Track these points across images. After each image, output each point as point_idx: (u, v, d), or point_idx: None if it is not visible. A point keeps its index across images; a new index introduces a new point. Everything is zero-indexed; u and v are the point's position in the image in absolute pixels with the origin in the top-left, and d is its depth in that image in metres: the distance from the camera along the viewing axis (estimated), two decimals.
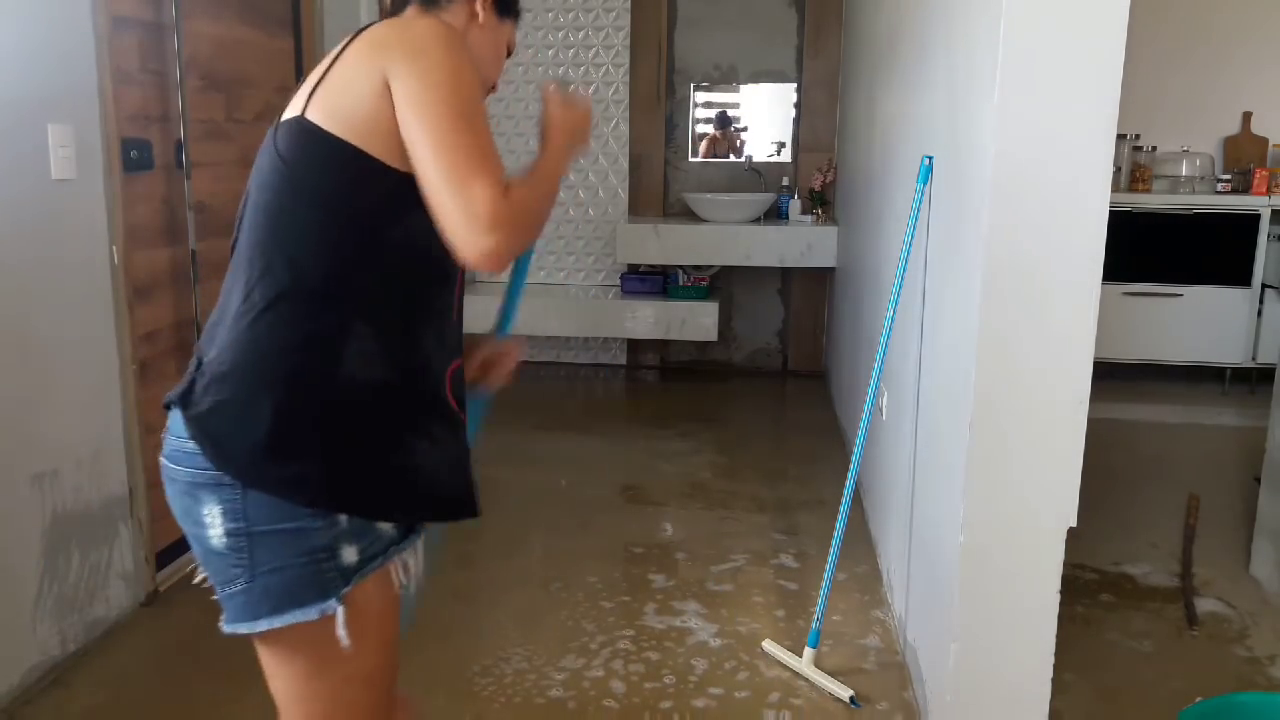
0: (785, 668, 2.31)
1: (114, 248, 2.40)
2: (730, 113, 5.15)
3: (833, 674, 2.23)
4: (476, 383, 1.46)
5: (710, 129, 5.16)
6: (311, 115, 1.13)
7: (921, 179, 2.20)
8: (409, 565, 1.20)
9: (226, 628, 1.17)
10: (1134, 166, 5.01)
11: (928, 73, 2.38)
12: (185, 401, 1.16)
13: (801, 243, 4.72)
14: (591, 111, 1.34)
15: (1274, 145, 5.10)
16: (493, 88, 1.34)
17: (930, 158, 2.19)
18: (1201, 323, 4.83)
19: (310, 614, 1.11)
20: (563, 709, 2.15)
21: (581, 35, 4.99)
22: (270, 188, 1.15)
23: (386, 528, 1.16)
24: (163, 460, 1.19)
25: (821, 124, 5.02)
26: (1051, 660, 1.85)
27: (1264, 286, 4.77)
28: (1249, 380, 4.94)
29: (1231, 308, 4.81)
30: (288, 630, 1.13)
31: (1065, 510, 1.75)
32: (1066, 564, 1.83)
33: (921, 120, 2.44)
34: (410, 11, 1.30)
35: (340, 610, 1.12)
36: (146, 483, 2.55)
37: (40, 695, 2.16)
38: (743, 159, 5.11)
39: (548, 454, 3.91)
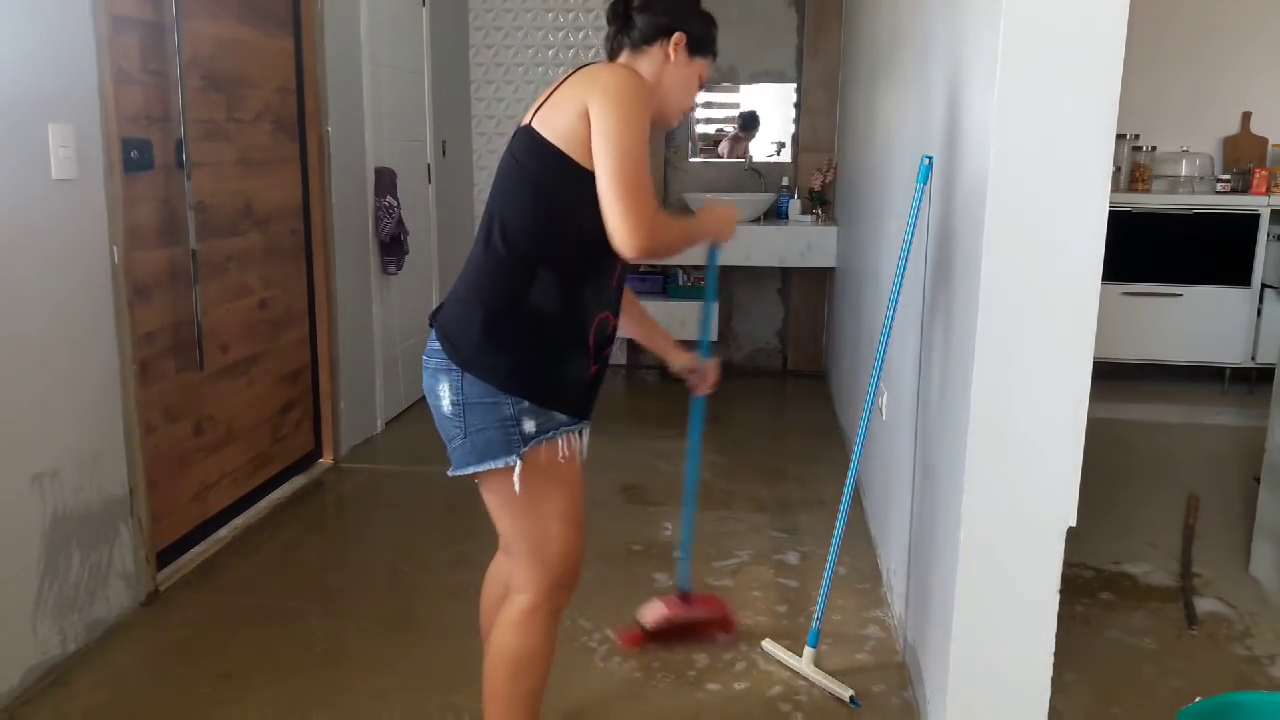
0: (785, 667, 2.31)
1: (114, 248, 2.40)
2: (731, 113, 5.15)
3: (833, 674, 2.23)
4: (689, 387, 2.09)
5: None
6: (536, 125, 1.62)
7: (921, 179, 2.20)
8: (573, 440, 1.66)
9: (451, 472, 1.67)
10: (1134, 166, 5.01)
11: (928, 73, 2.38)
12: (436, 314, 1.69)
13: (801, 243, 4.72)
14: (735, 215, 1.87)
15: (1274, 145, 5.10)
16: (685, 113, 1.82)
17: (930, 158, 2.19)
18: (1201, 323, 4.83)
19: (499, 464, 1.60)
20: (562, 708, 2.15)
21: (581, 35, 4.99)
22: (504, 176, 1.64)
23: (558, 413, 1.62)
24: (424, 355, 1.68)
25: (821, 124, 5.02)
26: (1051, 659, 1.85)
27: (1263, 286, 4.77)
28: (1249, 380, 4.94)
29: (1231, 308, 4.81)
30: (490, 475, 1.63)
31: (1065, 510, 1.75)
32: (1066, 563, 1.83)
33: (921, 120, 2.44)
34: (622, 56, 1.77)
35: (519, 464, 1.60)
36: (147, 482, 2.55)
37: (40, 695, 2.16)
38: (744, 159, 5.11)
39: None
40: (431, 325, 1.69)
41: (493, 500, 1.69)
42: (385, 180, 3.96)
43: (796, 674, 2.28)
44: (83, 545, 2.34)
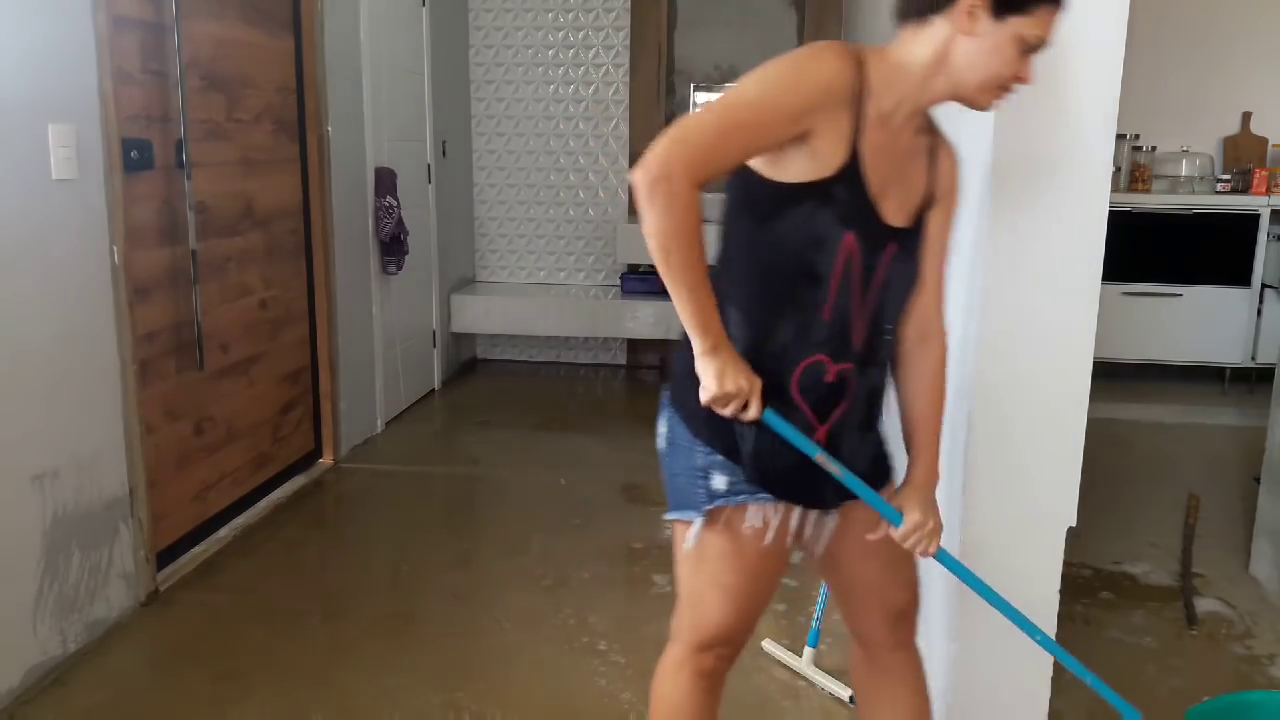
0: (785, 667, 2.31)
1: (114, 248, 2.40)
2: None
3: (833, 673, 2.23)
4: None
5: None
6: None
7: None
8: (771, 514, 1.41)
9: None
10: (1134, 166, 5.01)
11: None
12: None
13: None
14: (734, 393, 1.32)
15: (1274, 145, 5.10)
16: (1004, 89, 1.34)
17: None
18: (1201, 323, 4.83)
19: (685, 515, 1.45)
20: (561, 709, 2.15)
21: (581, 35, 4.99)
22: None
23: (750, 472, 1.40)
24: None
25: None
26: (1051, 659, 1.85)
27: (1264, 286, 4.77)
28: (1249, 380, 4.94)
29: (1231, 308, 4.81)
30: (681, 525, 1.47)
31: (1065, 510, 1.75)
32: (1066, 563, 1.83)
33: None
34: (901, 35, 1.36)
35: (700, 521, 1.42)
36: (147, 482, 2.55)
37: (41, 695, 2.16)
38: None
39: (548, 454, 3.91)
40: None
41: (677, 550, 1.52)
42: (385, 180, 3.96)
43: (796, 674, 2.28)
44: (83, 545, 2.34)
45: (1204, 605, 2.64)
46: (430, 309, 4.71)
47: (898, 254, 1.37)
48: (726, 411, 1.32)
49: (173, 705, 2.16)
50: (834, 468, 1.38)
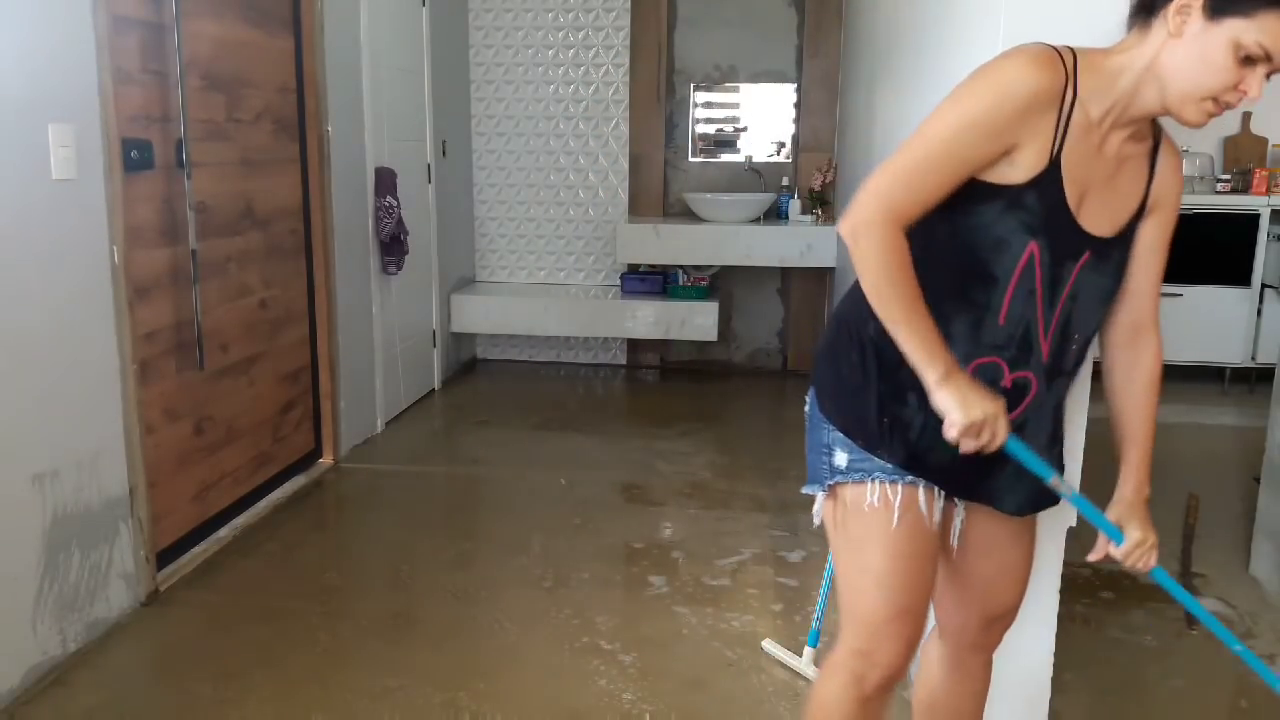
0: (785, 667, 2.31)
1: (114, 248, 2.40)
2: (731, 113, 5.15)
3: None
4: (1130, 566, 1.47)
5: (711, 129, 5.15)
6: None
7: None
8: (892, 491, 1.38)
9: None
10: None
11: (927, 72, 2.38)
12: None
13: (801, 243, 4.72)
14: (985, 421, 1.26)
15: (1274, 145, 5.10)
16: (1218, 102, 1.21)
17: None
18: (1201, 323, 4.83)
19: (813, 489, 1.48)
20: (561, 709, 2.15)
21: (581, 35, 4.99)
22: None
23: (879, 456, 1.38)
24: None
25: (821, 124, 5.02)
26: (1051, 659, 1.85)
27: (1264, 286, 4.77)
28: (1249, 380, 4.94)
29: (1231, 308, 4.81)
30: (821, 497, 1.48)
31: (1065, 510, 1.75)
32: (1066, 563, 1.83)
33: (921, 120, 2.44)
34: (1129, 39, 1.29)
35: (821, 495, 1.46)
36: (147, 482, 2.55)
37: (41, 695, 2.16)
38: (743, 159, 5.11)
39: (548, 454, 3.91)
40: None
41: (826, 521, 1.50)
42: (385, 180, 3.96)
43: (796, 674, 2.28)
44: (83, 545, 2.34)
45: (1204, 605, 2.64)
46: (430, 309, 4.71)
47: (1092, 263, 1.31)
48: (977, 443, 1.26)
49: (173, 705, 2.16)
50: (1065, 491, 1.34)
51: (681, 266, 4.94)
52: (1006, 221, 1.26)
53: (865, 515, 1.39)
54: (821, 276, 5.09)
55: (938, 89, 2.21)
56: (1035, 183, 1.25)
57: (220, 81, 2.95)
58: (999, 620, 1.56)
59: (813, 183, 4.96)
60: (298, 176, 3.45)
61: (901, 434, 1.36)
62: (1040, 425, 1.38)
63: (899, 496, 1.37)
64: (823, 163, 4.98)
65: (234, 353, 3.08)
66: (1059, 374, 1.36)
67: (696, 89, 5.09)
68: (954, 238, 1.29)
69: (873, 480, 1.38)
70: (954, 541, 1.49)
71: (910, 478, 1.37)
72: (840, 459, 1.41)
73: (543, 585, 2.73)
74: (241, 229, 3.10)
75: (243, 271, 3.11)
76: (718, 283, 5.13)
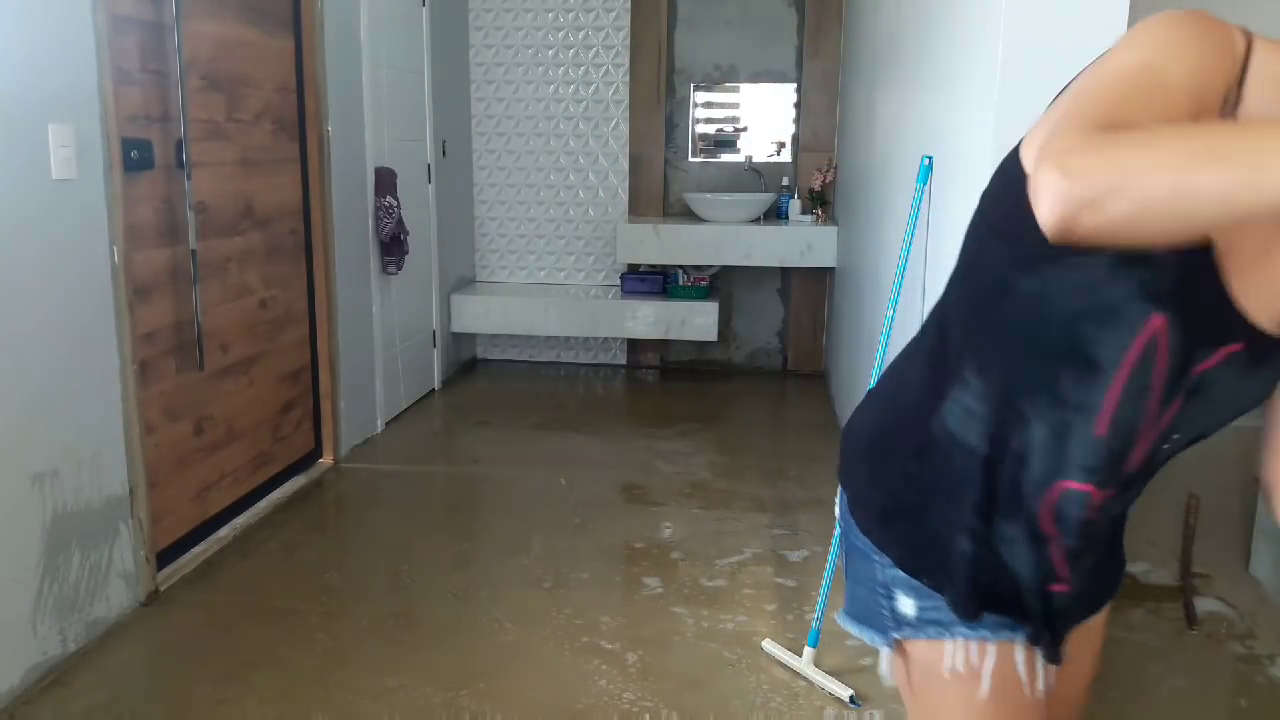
0: (785, 667, 2.31)
1: (114, 248, 2.40)
2: (731, 113, 5.15)
3: (833, 673, 2.23)
4: None
5: (711, 129, 5.15)
6: (1022, 148, 0.93)
7: (921, 179, 2.20)
8: (984, 653, 1.02)
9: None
10: None
11: (928, 73, 2.38)
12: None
13: (801, 243, 4.72)
14: None
15: None
16: None
17: (930, 158, 2.19)
18: None
19: (869, 638, 1.09)
20: (562, 709, 2.15)
21: (581, 35, 4.99)
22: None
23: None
24: None
25: (821, 124, 5.02)
26: None
27: None
28: None
29: None
30: (886, 654, 1.10)
31: None
32: None
33: (921, 120, 2.44)
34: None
35: (888, 653, 1.08)
36: (147, 482, 2.55)
37: (41, 695, 2.17)
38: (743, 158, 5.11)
39: (548, 454, 3.91)
40: None
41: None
42: (385, 180, 3.96)
43: (797, 674, 2.28)
44: (83, 545, 2.34)
45: (1204, 605, 2.64)
46: (430, 309, 4.71)
47: (1241, 361, 0.86)
48: None
49: (173, 705, 2.16)
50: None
51: (681, 266, 4.94)
52: (1120, 283, 0.82)
53: (945, 683, 1.03)
54: (821, 276, 5.09)
55: (938, 89, 2.21)
56: None
57: (220, 81, 2.95)
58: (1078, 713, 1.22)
59: (813, 183, 4.96)
60: (298, 176, 3.45)
61: (967, 575, 1.00)
62: (1102, 542, 1.04)
63: (990, 659, 1.01)
64: (823, 163, 4.98)
65: (234, 353, 3.08)
66: (1143, 479, 0.98)
67: (696, 89, 5.09)
68: (1043, 301, 0.87)
69: (953, 637, 1.02)
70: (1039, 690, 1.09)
71: (1007, 633, 1.01)
72: (906, 606, 1.04)
73: (543, 585, 2.73)
74: (241, 229, 3.10)
75: (243, 271, 3.11)
76: (718, 283, 5.13)
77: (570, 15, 4.98)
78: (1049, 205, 0.69)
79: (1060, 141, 0.71)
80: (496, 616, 2.55)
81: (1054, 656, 1.02)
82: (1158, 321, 0.83)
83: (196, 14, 2.81)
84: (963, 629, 1.01)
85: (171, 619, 2.52)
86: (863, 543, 1.07)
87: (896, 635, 1.05)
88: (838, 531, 1.12)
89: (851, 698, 2.16)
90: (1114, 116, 0.73)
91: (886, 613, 1.05)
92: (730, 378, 5.20)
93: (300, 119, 3.42)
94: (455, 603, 2.63)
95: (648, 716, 2.13)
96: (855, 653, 2.38)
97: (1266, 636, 2.49)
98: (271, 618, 2.53)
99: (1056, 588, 0.99)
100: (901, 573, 1.03)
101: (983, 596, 1.00)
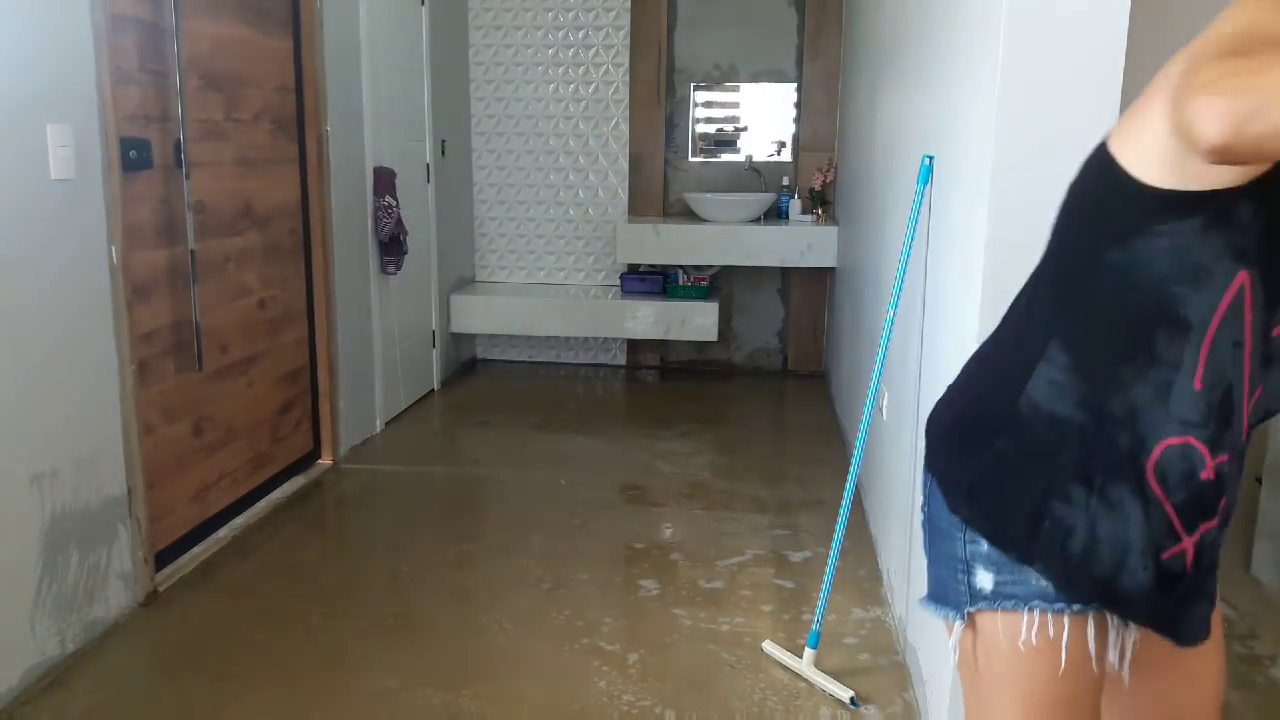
0: (785, 668, 2.30)
1: (113, 248, 2.40)
2: (731, 113, 5.14)
3: (833, 674, 2.23)
4: None
5: (710, 128, 5.15)
6: (1111, 142, 0.98)
7: (922, 179, 2.20)
8: (1059, 625, 1.05)
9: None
10: None
11: (928, 73, 2.38)
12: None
13: (801, 243, 4.71)
14: None
15: None
16: None
17: (930, 158, 2.19)
18: None
19: (943, 615, 1.14)
20: (562, 709, 2.15)
21: (581, 35, 4.99)
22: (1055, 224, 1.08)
23: (1036, 575, 1.05)
24: None
25: (821, 124, 5.02)
26: None
27: None
28: None
29: None
30: (959, 628, 1.13)
31: None
32: None
33: (921, 120, 2.44)
34: None
35: (959, 627, 1.11)
36: (146, 483, 2.55)
37: (40, 695, 2.16)
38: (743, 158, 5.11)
39: (548, 454, 3.91)
40: None
41: (955, 646, 1.17)
42: (384, 180, 3.96)
43: (797, 675, 2.27)
44: (81, 545, 2.34)
45: None
46: (430, 309, 4.71)
47: None
48: None
49: (172, 705, 2.15)
50: None
51: (681, 266, 4.94)
52: (1210, 242, 0.91)
53: (1015, 656, 1.07)
54: (821, 276, 5.09)
55: (938, 89, 2.21)
56: (1255, 189, 0.90)
57: (219, 81, 2.95)
58: None
59: (813, 182, 4.95)
60: (296, 176, 3.45)
61: (1060, 542, 1.02)
62: (1209, 510, 1.01)
63: (1065, 632, 1.04)
64: (823, 162, 4.98)
65: (233, 353, 3.08)
66: (1241, 445, 1.03)
67: (696, 89, 5.08)
68: (1132, 270, 0.95)
69: (1029, 609, 1.05)
70: (1124, 670, 1.12)
71: (1078, 606, 1.04)
72: (983, 580, 1.07)
73: (542, 586, 2.72)
74: (240, 229, 3.09)
75: (241, 271, 3.11)
76: (718, 283, 5.13)
77: (570, 15, 4.97)
78: (1214, 124, 0.75)
79: (1204, 75, 0.79)
80: (496, 617, 2.55)
81: (1174, 630, 1.04)
82: (1244, 276, 0.92)
83: (195, 13, 2.81)
84: (1040, 602, 1.04)
85: (170, 620, 2.52)
86: (948, 521, 1.10)
87: (971, 609, 1.09)
88: (922, 516, 1.17)
89: (852, 699, 2.15)
90: (1241, 52, 0.80)
91: (963, 588, 1.09)
92: (730, 378, 5.20)
93: (299, 119, 3.42)
94: (455, 603, 2.62)
95: (647, 718, 2.12)
96: (855, 654, 2.37)
97: (1267, 636, 2.49)
98: (271, 618, 2.53)
99: (1172, 553, 0.99)
100: (984, 547, 1.06)
101: (1075, 567, 1.02)
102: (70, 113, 2.26)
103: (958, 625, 1.11)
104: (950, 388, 1.18)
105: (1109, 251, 0.96)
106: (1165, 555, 1.00)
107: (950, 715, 1.88)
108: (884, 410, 2.79)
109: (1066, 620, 1.04)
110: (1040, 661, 1.05)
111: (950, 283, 1.99)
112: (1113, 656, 1.10)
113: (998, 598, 1.07)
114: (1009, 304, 1.12)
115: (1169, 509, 0.99)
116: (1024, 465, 1.04)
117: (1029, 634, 1.05)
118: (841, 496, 2.30)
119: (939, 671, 1.95)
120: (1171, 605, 1.03)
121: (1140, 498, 0.99)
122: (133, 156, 2.52)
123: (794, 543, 3.03)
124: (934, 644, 2.01)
